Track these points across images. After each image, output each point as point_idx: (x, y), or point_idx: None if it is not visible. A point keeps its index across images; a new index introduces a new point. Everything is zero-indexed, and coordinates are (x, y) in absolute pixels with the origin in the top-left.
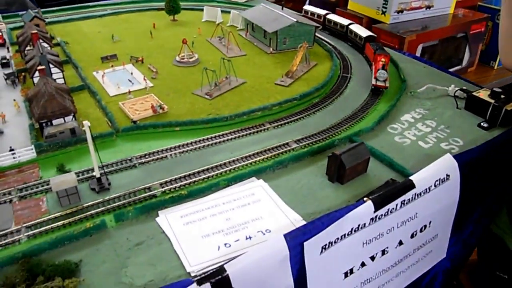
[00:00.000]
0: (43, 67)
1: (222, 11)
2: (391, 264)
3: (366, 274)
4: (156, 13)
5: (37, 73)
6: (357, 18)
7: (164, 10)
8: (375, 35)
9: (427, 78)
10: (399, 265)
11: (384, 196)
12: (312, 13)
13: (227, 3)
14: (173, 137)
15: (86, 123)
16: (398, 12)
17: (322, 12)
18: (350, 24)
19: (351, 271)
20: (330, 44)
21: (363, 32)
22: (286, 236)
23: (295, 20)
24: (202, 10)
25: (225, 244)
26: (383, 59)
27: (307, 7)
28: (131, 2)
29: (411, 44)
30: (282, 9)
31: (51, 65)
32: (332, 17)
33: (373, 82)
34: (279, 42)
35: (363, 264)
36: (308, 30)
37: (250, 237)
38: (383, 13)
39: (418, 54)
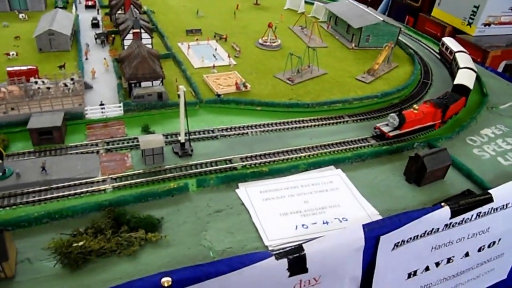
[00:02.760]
0: (137, 30)
1: (305, 1)
2: (453, 274)
3: (428, 279)
4: None
5: (129, 36)
6: (440, 26)
7: None
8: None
9: (509, 96)
10: (460, 277)
11: (462, 205)
12: (446, 48)
13: None
14: (254, 115)
15: (182, 88)
16: (485, 25)
17: (455, 49)
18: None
19: (415, 273)
20: (411, 49)
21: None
22: (364, 226)
23: (381, 19)
24: None
25: (303, 225)
26: (417, 108)
27: (445, 39)
28: None
29: (494, 60)
30: (368, 7)
31: (142, 30)
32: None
33: (379, 124)
34: (362, 39)
35: (427, 269)
36: (392, 30)
37: (327, 222)
38: (469, 24)
39: (500, 70)
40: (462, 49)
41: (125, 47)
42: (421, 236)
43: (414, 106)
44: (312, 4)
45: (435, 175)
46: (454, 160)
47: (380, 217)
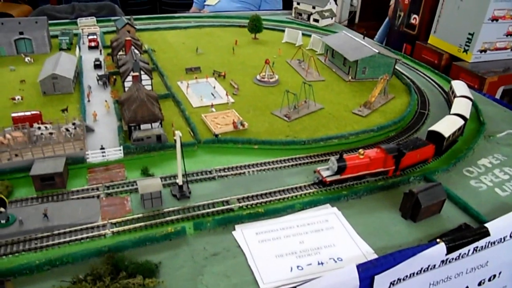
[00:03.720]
0: (136, 73)
1: (302, 34)
2: None
3: None
4: (238, 30)
5: (129, 78)
6: (437, 54)
7: (246, 27)
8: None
9: (507, 123)
10: None
11: (458, 240)
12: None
13: (308, 26)
14: (251, 154)
15: (178, 133)
16: (481, 51)
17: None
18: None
19: None
20: (408, 78)
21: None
22: (358, 267)
23: (377, 51)
24: (283, 31)
25: (298, 267)
26: (363, 153)
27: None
28: (215, 17)
29: (492, 86)
30: (364, 38)
31: (142, 72)
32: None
33: (319, 168)
34: (359, 71)
35: None
36: (388, 62)
37: (322, 263)
38: (465, 51)
39: (498, 96)
40: (469, 95)
41: (126, 89)
42: (417, 274)
43: (360, 150)
44: (310, 36)
45: (431, 210)
46: (450, 194)
47: (375, 256)
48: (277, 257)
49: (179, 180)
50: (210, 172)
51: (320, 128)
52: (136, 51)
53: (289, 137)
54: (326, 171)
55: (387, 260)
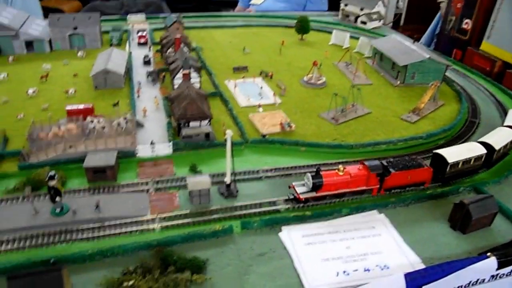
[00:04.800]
0: (187, 71)
1: (350, 37)
2: None
3: None
4: (284, 30)
5: (179, 75)
6: (489, 60)
7: (293, 28)
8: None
9: None
10: None
11: (510, 255)
12: None
13: (355, 29)
14: (298, 156)
15: (229, 132)
16: None
17: None
18: None
19: None
20: (458, 85)
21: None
22: (406, 276)
23: (428, 56)
24: (330, 32)
25: (344, 272)
26: (342, 169)
27: None
28: (262, 17)
29: None
30: (414, 42)
31: (191, 70)
32: None
33: (294, 184)
34: (408, 76)
35: None
36: (439, 68)
37: (368, 270)
38: None
39: None
40: None
41: (175, 86)
42: (465, 287)
43: (340, 166)
44: (357, 39)
45: (481, 223)
46: (502, 207)
47: (422, 266)
48: (323, 261)
49: (227, 179)
50: (257, 172)
51: (367, 133)
52: (185, 49)
53: (336, 141)
54: (301, 187)
55: (435, 271)
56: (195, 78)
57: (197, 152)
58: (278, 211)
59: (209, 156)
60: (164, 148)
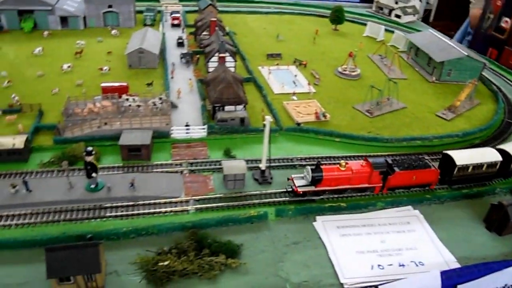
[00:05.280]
0: (223, 55)
1: (384, 30)
2: None
3: None
4: (318, 20)
5: (213, 59)
6: None
7: (328, 18)
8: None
9: None
10: None
11: None
12: None
13: (388, 22)
14: (332, 146)
15: (268, 118)
16: None
17: None
18: None
19: None
20: (494, 84)
21: None
22: (442, 274)
23: (466, 53)
24: (363, 24)
25: (379, 265)
26: (344, 165)
27: None
28: (295, 5)
29: None
30: (451, 39)
31: (227, 54)
32: None
33: (293, 176)
34: (444, 73)
35: None
36: (476, 66)
37: (403, 265)
38: None
39: None
40: None
41: (209, 69)
42: None
43: (342, 162)
44: (392, 32)
45: None
46: None
47: (457, 265)
48: (358, 253)
49: (263, 165)
50: (292, 160)
51: (402, 128)
52: (220, 32)
53: (371, 134)
54: (300, 180)
55: (471, 271)
56: (230, 62)
57: (231, 136)
58: (312, 200)
59: (243, 141)
60: (199, 131)
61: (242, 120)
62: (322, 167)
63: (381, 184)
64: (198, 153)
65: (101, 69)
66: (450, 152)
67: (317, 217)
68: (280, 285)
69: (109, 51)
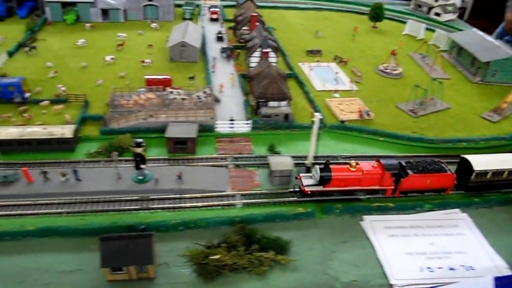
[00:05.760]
0: (267, 50)
1: (425, 28)
2: None
3: None
4: (356, 16)
5: (255, 54)
6: None
7: (365, 15)
8: None
9: None
10: None
11: None
12: None
13: (427, 20)
14: (376, 146)
15: (318, 115)
16: None
17: None
18: None
19: None
20: None
21: None
22: (496, 280)
23: None
24: (403, 22)
25: (428, 268)
26: (355, 165)
27: None
28: (333, 1)
29: None
30: (499, 39)
31: (269, 49)
32: None
33: (302, 175)
34: (488, 73)
35: None
36: None
37: (453, 269)
38: None
39: None
40: None
41: (250, 64)
42: None
43: (352, 162)
44: (433, 31)
45: None
46: None
47: (510, 272)
48: (406, 254)
49: (308, 162)
50: (336, 158)
51: (447, 129)
52: (261, 28)
53: (416, 134)
54: (308, 179)
55: None
56: (272, 58)
57: (274, 132)
58: (359, 199)
59: (287, 137)
60: (243, 126)
61: (286, 116)
62: (331, 166)
63: (393, 187)
64: (242, 148)
65: (143, 61)
66: (468, 156)
67: (364, 217)
68: (330, 284)
69: (150, 44)
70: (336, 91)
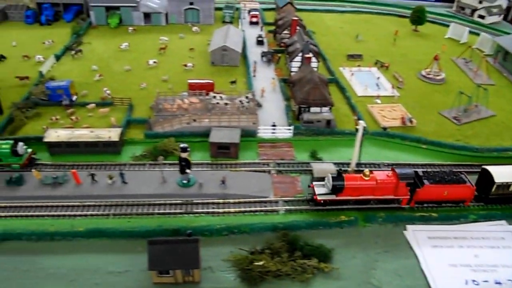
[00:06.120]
0: (309, 55)
1: (469, 32)
2: None
3: None
4: (397, 20)
5: (297, 59)
6: None
7: (405, 18)
8: None
9: None
10: None
11: None
12: None
13: (470, 22)
14: (419, 153)
15: (362, 123)
16: None
17: None
18: None
19: None
20: None
21: None
22: None
23: None
24: (446, 25)
25: (473, 281)
26: (368, 174)
27: None
28: (372, 3)
29: None
30: None
31: (311, 54)
32: None
33: (314, 183)
34: None
35: None
36: None
37: (500, 283)
38: None
39: None
40: None
41: (292, 69)
42: None
43: (366, 171)
44: (477, 35)
45: None
46: None
47: None
48: (451, 266)
49: (351, 169)
50: (378, 165)
51: (492, 137)
52: (302, 32)
53: (459, 142)
54: (320, 188)
55: None
56: (313, 63)
57: (316, 138)
58: (402, 208)
59: (329, 143)
60: (285, 131)
61: (328, 122)
62: (344, 175)
63: (408, 197)
64: (284, 154)
65: (185, 65)
66: (489, 168)
67: (408, 226)
68: None
69: (191, 48)
70: (377, 96)
